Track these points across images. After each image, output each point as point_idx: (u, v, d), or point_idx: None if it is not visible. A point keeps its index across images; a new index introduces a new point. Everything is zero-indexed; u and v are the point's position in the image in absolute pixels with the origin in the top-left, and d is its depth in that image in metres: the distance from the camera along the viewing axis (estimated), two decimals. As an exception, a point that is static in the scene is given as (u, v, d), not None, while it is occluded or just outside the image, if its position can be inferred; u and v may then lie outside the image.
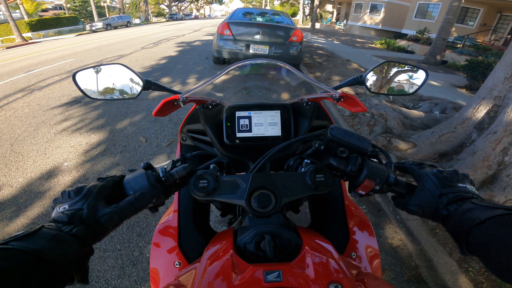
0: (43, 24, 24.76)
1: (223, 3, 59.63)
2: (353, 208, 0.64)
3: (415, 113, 3.23)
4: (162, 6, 45.71)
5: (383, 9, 18.56)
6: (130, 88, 0.68)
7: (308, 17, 31.18)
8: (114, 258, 1.43)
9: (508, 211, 0.32)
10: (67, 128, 2.87)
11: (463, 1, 7.53)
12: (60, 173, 2.14)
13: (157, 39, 10.44)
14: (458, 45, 10.66)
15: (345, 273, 0.33)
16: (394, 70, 0.74)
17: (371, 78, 0.71)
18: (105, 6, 34.82)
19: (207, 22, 23.30)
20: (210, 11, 72.57)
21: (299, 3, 29.34)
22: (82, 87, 0.68)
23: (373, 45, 13.03)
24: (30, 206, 1.82)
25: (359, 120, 3.08)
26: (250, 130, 0.62)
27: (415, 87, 0.74)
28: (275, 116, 0.63)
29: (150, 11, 39.19)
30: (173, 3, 45.00)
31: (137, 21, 33.26)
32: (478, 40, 11.42)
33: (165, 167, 0.45)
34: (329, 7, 31.07)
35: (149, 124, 2.89)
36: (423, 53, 9.92)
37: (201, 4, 53.86)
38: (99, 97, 0.69)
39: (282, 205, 0.41)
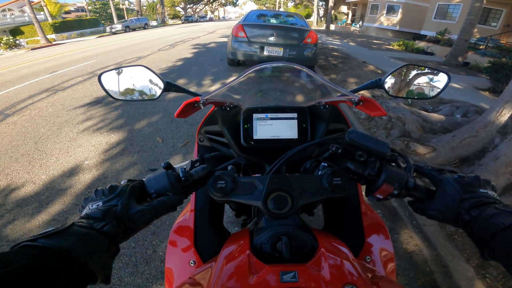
0: (66, 26, 25.92)
1: (237, 5, 60.14)
2: (369, 212, 0.64)
3: (435, 116, 3.12)
4: (178, 9, 46.73)
5: (400, 10, 18.08)
6: (151, 89, 0.70)
7: (322, 18, 30.87)
8: (129, 256, 1.47)
9: None
10: (89, 128, 2.99)
11: (484, 1, 7.23)
12: (81, 171, 2.23)
13: (173, 41, 10.68)
14: (481, 47, 10.20)
15: (360, 276, 0.34)
16: (414, 73, 0.72)
17: (390, 81, 0.69)
18: (124, 9, 36.02)
19: (221, 24, 23.58)
20: (224, 13, 73.47)
21: (313, 4, 29.10)
22: (106, 88, 0.70)
23: (391, 47, 12.70)
24: (51, 203, 1.90)
25: (376, 123, 3.01)
26: (267, 132, 0.63)
27: (436, 91, 0.72)
28: (292, 118, 0.63)
29: (166, 13, 40.15)
30: (188, 6, 45.91)
31: (154, 23, 34.20)
32: (502, 41, 10.86)
33: (185, 167, 0.46)
34: (344, 9, 30.65)
35: (165, 125, 2.96)
36: (443, 54, 9.57)
37: (215, 6, 54.62)
38: (121, 98, 0.71)
39: (298, 207, 0.42)
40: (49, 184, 2.10)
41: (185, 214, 0.65)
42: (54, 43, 19.52)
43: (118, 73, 0.70)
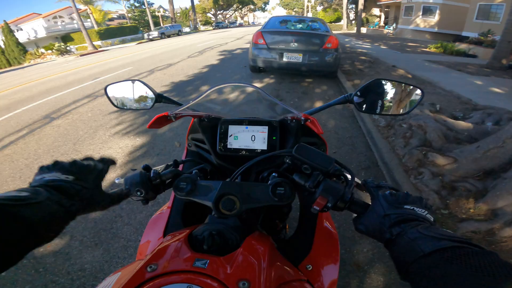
0: (109, 33, 28.30)
1: (266, 10, 60.76)
2: (327, 225, 0.67)
3: (462, 124, 2.88)
4: (209, 15, 48.61)
5: (438, 11, 16.88)
6: (147, 100, 0.81)
7: (353, 22, 29.90)
8: (134, 248, 1.65)
9: (454, 242, 0.31)
10: (119, 132, 3.31)
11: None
12: (108, 171, 2.50)
13: (202, 48, 11.19)
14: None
15: (260, 275, 0.38)
16: (386, 88, 0.72)
17: (360, 97, 0.70)
18: (160, 16, 38.35)
19: (250, 30, 24.03)
20: (253, 19, 74.59)
21: (342, 8, 28.35)
22: (111, 98, 0.83)
23: (427, 49, 11.90)
24: None
25: (395, 132, 2.89)
26: (240, 143, 0.68)
27: (408, 107, 0.71)
28: (263, 131, 0.68)
29: (198, 19, 41.96)
30: (218, 12, 47.55)
31: (187, 29, 35.92)
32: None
33: (158, 169, 0.54)
34: (376, 11, 29.37)
35: (184, 131, 3.16)
36: (487, 57, 8.72)
37: (244, 12, 55.81)
38: (120, 106, 0.83)
39: (242, 210, 0.48)
40: (81, 182, 2.39)
41: (163, 209, 0.73)
42: (100, 49, 21.45)
43: (121, 86, 0.82)
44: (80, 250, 1.66)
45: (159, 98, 0.79)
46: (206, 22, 48.49)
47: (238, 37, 15.74)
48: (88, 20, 29.92)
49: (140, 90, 0.81)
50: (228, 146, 0.69)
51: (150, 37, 25.01)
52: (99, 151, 2.88)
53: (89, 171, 0.44)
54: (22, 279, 1.53)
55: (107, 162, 0.51)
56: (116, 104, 0.83)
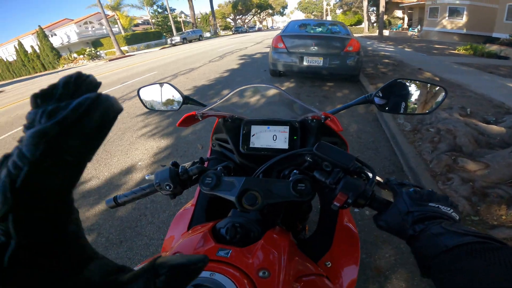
0: (135, 38, 29.65)
1: (284, 14, 60.87)
2: (348, 223, 0.68)
3: (495, 128, 2.72)
4: (228, 20, 49.58)
5: (465, 12, 16.08)
6: (174, 102, 0.86)
7: (374, 24, 29.13)
8: (155, 246, 1.70)
9: (478, 238, 0.31)
10: (145, 134, 3.47)
11: None
12: (135, 171, 2.62)
13: (222, 52, 11.44)
14: None
15: (280, 266, 0.40)
16: (407, 87, 0.71)
17: (382, 98, 0.70)
18: (181, 21, 39.65)
19: (269, 34, 24.17)
20: (272, 23, 74.94)
21: (362, 10, 27.75)
22: (142, 100, 0.89)
23: (456, 51, 11.32)
24: (108, 196, 2.24)
25: (421, 136, 2.78)
26: (262, 142, 0.71)
27: (431, 106, 0.70)
28: (284, 131, 0.70)
29: (218, 24, 42.93)
30: (237, 17, 48.37)
31: (207, 34, 36.81)
32: None
33: (186, 166, 0.58)
34: (398, 13, 28.45)
35: (207, 133, 3.24)
36: (522, 59, 8.15)
37: (263, 16, 56.28)
38: (151, 108, 0.89)
39: (263, 205, 0.50)
40: (110, 180, 2.51)
41: (188, 206, 0.77)
42: (126, 54, 22.58)
43: (153, 89, 0.88)
44: (106, 246, 1.76)
45: (186, 100, 0.84)
46: (226, 27, 49.49)
47: (257, 42, 15.89)
48: (116, 25, 31.56)
49: (169, 93, 0.86)
50: (251, 146, 0.71)
51: (173, 42, 25.93)
52: (127, 151, 3.03)
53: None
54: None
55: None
56: (147, 105, 0.89)
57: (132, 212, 2.04)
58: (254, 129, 0.72)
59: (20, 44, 28.57)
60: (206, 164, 0.77)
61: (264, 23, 64.60)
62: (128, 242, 1.77)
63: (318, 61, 4.51)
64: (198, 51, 14.00)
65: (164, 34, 34.58)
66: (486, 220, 1.71)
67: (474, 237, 0.31)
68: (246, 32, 38.93)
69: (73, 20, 33.65)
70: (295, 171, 0.56)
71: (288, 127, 0.70)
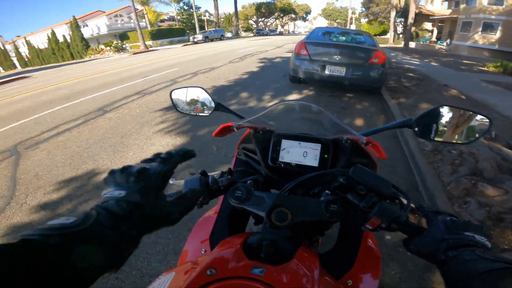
0: (160, 33, 30.50)
1: (307, 20, 60.59)
2: (370, 242, 0.67)
3: None
4: (250, 21, 49.95)
5: (500, 28, 15.40)
6: (205, 107, 0.87)
7: (400, 35, 28.42)
8: (162, 245, 1.68)
9: (509, 265, 0.31)
10: (162, 130, 3.52)
11: None
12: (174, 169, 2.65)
13: (243, 54, 11.51)
14: None
15: (313, 286, 0.40)
16: (450, 115, 0.68)
17: (421, 123, 0.67)
18: (205, 20, 40.37)
19: (290, 39, 24.12)
20: (294, 28, 74.80)
21: (389, 20, 27.14)
22: (174, 102, 0.90)
23: (485, 68, 10.83)
24: None
25: (442, 157, 2.68)
26: (291, 157, 0.70)
27: (474, 136, 0.67)
28: (315, 148, 0.69)
29: (240, 25, 43.36)
30: (260, 19, 48.63)
31: (229, 34, 37.24)
32: None
33: (215, 175, 0.57)
34: (428, 25, 27.65)
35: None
36: (559, 82, 7.65)
37: (285, 20, 56.27)
38: (182, 111, 0.90)
39: (293, 222, 0.50)
40: (124, 174, 2.56)
41: (209, 214, 0.76)
42: (150, 49, 23.24)
43: (185, 91, 0.89)
44: None
45: (218, 106, 0.84)
46: (247, 29, 49.90)
47: (278, 46, 15.88)
48: (143, 20, 32.65)
49: (201, 97, 0.87)
50: (280, 160, 0.71)
51: (195, 40, 26.46)
52: (143, 146, 3.08)
53: (144, 179, 0.34)
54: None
55: (172, 160, 0.41)
56: (178, 108, 0.90)
57: None
58: (285, 143, 0.71)
59: (53, 33, 30.12)
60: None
61: (286, 27, 64.63)
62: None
63: (341, 71, 4.42)
64: (219, 50, 14.17)
65: (188, 31, 35.34)
66: (497, 244, 1.71)
67: (506, 264, 0.32)
68: (267, 35, 39.05)
69: (105, 12, 35.18)
70: (326, 191, 0.56)
71: (320, 145, 0.70)
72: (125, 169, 0.36)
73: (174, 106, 0.90)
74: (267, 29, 46.06)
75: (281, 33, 47.25)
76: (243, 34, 43.49)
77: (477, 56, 16.29)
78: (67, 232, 0.25)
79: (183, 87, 0.88)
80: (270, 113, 0.69)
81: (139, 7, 31.21)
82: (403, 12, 25.05)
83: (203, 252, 0.66)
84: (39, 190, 2.38)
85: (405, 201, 0.49)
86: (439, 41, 22.91)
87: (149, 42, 26.96)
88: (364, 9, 35.18)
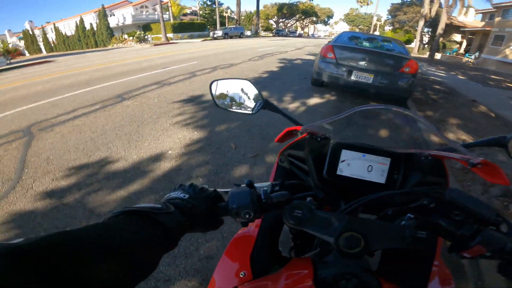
0: (181, 27, 30.95)
1: (328, 24, 59.78)
2: (442, 268, 0.60)
3: None
4: (271, 21, 49.78)
5: (533, 43, 14.56)
6: (250, 104, 0.77)
7: (426, 45, 27.54)
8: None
9: None
10: (179, 122, 3.44)
11: None
12: (164, 159, 2.56)
13: (262, 53, 11.38)
14: None
15: None
16: None
17: None
18: (226, 17, 40.61)
19: (310, 42, 23.79)
20: (314, 31, 73.87)
21: (415, 30, 26.31)
22: (214, 95, 0.79)
23: (514, 85, 10.29)
24: (132, 182, 2.20)
25: (473, 176, 2.51)
26: (352, 171, 0.61)
27: None
28: (383, 162, 0.60)
29: (260, 25, 43.28)
30: (280, 20, 48.38)
31: (248, 33, 37.23)
32: None
33: (265, 189, 0.49)
34: (457, 37, 26.70)
35: (241, 133, 3.13)
36: None
37: (306, 23, 55.74)
38: (222, 106, 0.79)
39: (368, 250, 0.44)
40: (137, 164, 2.46)
41: (250, 227, 0.66)
42: (170, 41, 23.58)
43: (227, 84, 0.79)
44: None
45: (266, 104, 0.74)
46: (267, 28, 49.75)
47: (298, 47, 15.66)
48: (167, 13, 33.20)
49: (247, 92, 0.76)
50: (338, 173, 0.61)
51: (215, 35, 26.62)
52: (159, 137, 3.01)
53: (202, 193, 0.47)
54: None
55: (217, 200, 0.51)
56: (216, 102, 0.80)
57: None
58: (346, 154, 0.61)
59: (81, 20, 31.10)
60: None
61: (306, 29, 63.96)
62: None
63: (368, 78, 4.21)
64: (238, 48, 14.11)
65: (208, 27, 35.58)
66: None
67: None
68: (286, 36, 38.75)
69: (132, 2, 36.00)
70: (409, 214, 0.48)
71: (390, 159, 0.59)
72: (192, 185, 0.48)
73: (212, 99, 0.79)
74: (286, 30, 45.78)
75: (300, 35, 46.77)
76: (262, 33, 43.39)
77: (505, 71, 15.61)
78: (158, 212, 0.36)
79: (226, 78, 0.78)
80: (346, 119, 0.59)
81: (164, -1, 31.70)
82: (431, 22, 24.27)
83: (241, 276, 0.56)
84: (48, 175, 2.31)
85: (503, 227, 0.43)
86: (467, 54, 22.14)
87: (169, 35, 27.32)
88: (390, 16, 34.40)
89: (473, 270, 1.59)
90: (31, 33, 35.45)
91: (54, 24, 36.61)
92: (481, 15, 24.46)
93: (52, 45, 34.92)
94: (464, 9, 18.97)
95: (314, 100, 4.57)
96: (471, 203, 0.42)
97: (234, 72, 6.74)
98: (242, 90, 0.77)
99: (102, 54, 14.84)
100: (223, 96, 0.80)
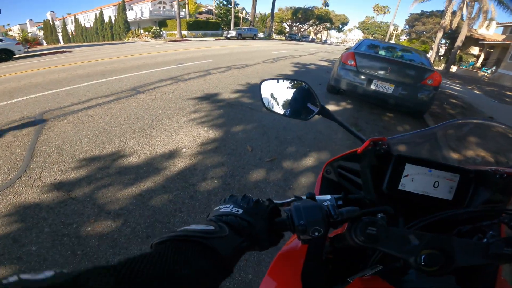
0: (196, 25, 31.18)
1: (342, 31, 59.46)
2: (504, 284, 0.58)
3: None
4: (284, 25, 49.77)
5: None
6: (304, 108, 0.71)
7: (442, 57, 27.09)
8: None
9: None
10: (194, 119, 3.39)
11: None
12: (178, 157, 2.50)
13: (276, 56, 11.32)
14: None
15: None
16: None
17: None
18: (241, 17, 40.78)
19: (323, 47, 23.64)
20: (326, 37, 73.56)
21: (433, 41, 25.90)
22: (263, 96, 0.74)
23: (531, 104, 9.99)
24: (145, 179, 2.13)
25: None
26: (415, 186, 0.58)
27: None
28: (452, 179, 0.57)
29: (274, 27, 43.31)
30: (294, 24, 48.31)
31: (261, 35, 37.27)
32: None
33: (330, 203, 0.46)
34: (474, 50, 26.16)
35: (258, 135, 3.06)
36: None
37: (319, 28, 55.54)
38: (273, 109, 0.74)
39: (451, 268, 0.42)
40: (150, 160, 2.40)
41: (295, 239, 0.62)
42: (184, 38, 23.75)
43: (279, 84, 0.74)
44: (129, 239, 1.57)
45: (322, 110, 0.69)
46: (280, 31, 49.73)
47: (311, 53, 15.55)
48: (183, 10, 33.47)
49: (302, 96, 0.71)
50: (400, 187, 0.58)
51: (228, 35, 26.70)
52: (173, 133, 2.96)
53: (258, 207, 0.42)
54: (53, 258, 1.42)
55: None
56: (265, 104, 0.74)
57: (168, 204, 1.88)
58: (409, 168, 0.58)
59: (101, 13, 31.62)
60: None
61: (319, 35, 63.75)
62: (155, 238, 1.61)
63: (388, 88, 4.09)
64: (251, 49, 14.09)
65: (222, 26, 35.75)
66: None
67: None
68: (299, 40, 38.66)
69: (151, -3, 36.36)
70: (491, 232, 0.46)
71: (458, 176, 0.57)
72: (246, 196, 0.43)
73: (261, 100, 0.74)
74: (299, 35, 45.65)
75: (313, 41, 46.64)
76: (275, 36, 43.36)
77: (521, 88, 15.22)
78: (211, 236, 0.32)
79: (280, 78, 0.72)
80: (434, 132, 0.57)
81: (182, -4, 31.96)
82: (450, 34, 23.85)
83: None
84: (57, 166, 2.23)
85: None
86: (483, 68, 21.69)
87: (184, 32, 27.53)
88: (407, 26, 34.05)
89: None
90: (51, 23, 36.21)
91: (74, 16, 37.37)
92: (502, 28, 23.91)
93: (70, 36, 35.60)
94: (487, 22, 18.56)
95: (330, 108, 4.46)
96: None
97: (249, 73, 6.68)
98: (295, 92, 0.72)
99: (117, 47, 14.98)
100: (274, 97, 0.74)
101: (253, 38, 28.82)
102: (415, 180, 0.58)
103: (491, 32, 25.15)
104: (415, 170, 0.58)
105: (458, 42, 17.42)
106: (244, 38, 27.42)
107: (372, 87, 4.18)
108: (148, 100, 4.04)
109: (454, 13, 18.93)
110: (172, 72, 6.08)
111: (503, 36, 22.64)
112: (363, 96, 4.46)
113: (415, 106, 4.17)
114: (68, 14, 43.70)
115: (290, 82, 0.72)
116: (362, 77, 4.26)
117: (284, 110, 0.73)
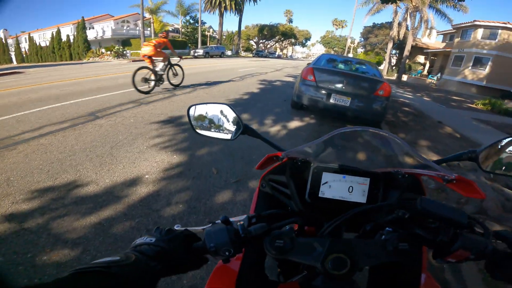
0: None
1: (306, 45, 63.23)
2: (431, 282, 0.62)
3: None
4: (251, 42, 51.56)
5: (490, 63, 16.41)
6: (229, 129, 0.76)
7: (394, 67, 29.85)
8: None
9: None
10: (157, 144, 3.28)
11: None
12: (140, 184, 2.39)
13: (243, 74, 11.60)
14: None
15: None
16: None
17: (485, 155, 0.64)
18: (208, 36, 41.35)
19: (288, 63, 24.78)
20: (292, 52, 77.53)
21: (385, 52, 28.50)
22: (191, 120, 0.78)
23: (474, 106, 11.36)
24: (104, 208, 2.03)
25: (446, 196, 2.67)
26: (333, 193, 0.62)
27: None
28: (363, 182, 0.62)
29: (241, 45, 44.59)
30: (260, 41, 50.31)
31: (229, 53, 38.02)
32: None
33: (242, 222, 0.49)
34: (420, 58, 29.20)
35: (224, 157, 3.05)
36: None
37: (285, 44, 58.46)
38: (201, 132, 0.78)
39: (356, 270, 0.44)
40: (110, 189, 2.28)
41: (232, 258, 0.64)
42: (149, 58, 23.25)
43: (206, 108, 0.77)
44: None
45: (246, 129, 0.74)
46: (247, 49, 51.30)
47: (277, 69, 16.21)
48: (148, 29, 33.06)
49: (226, 117, 0.76)
50: (320, 195, 0.62)
51: (195, 54, 26.82)
52: (135, 160, 2.83)
53: (170, 234, 0.46)
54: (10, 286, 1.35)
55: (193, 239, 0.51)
56: (194, 127, 0.79)
57: (130, 231, 1.80)
58: (326, 176, 0.63)
59: (58, 31, 29.89)
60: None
61: (284, 51, 66.92)
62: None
63: (346, 101, 4.38)
64: (219, 67, 14.28)
65: (189, 45, 35.84)
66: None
67: None
68: (266, 57, 40.10)
69: (113, 16, 35.53)
70: (387, 228, 0.50)
71: (369, 179, 0.62)
72: (158, 228, 0.47)
73: (190, 124, 0.78)
74: (266, 51, 47.46)
75: (279, 57, 48.68)
76: (242, 53, 44.54)
77: (465, 92, 17.16)
78: (114, 265, 0.34)
79: (204, 103, 0.77)
80: (326, 142, 0.62)
81: (147, 15, 31.67)
82: (399, 44, 26.31)
83: None
84: (7, 198, 2.08)
85: (479, 228, 0.47)
86: (430, 75, 23.97)
87: (150, 51, 27.05)
88: (362, 39, 36.99)
89: (456, 281, 1.65)
90: (4, 41, 33.43)
91: (29, 34, 34.89)
92: (442, 36, 26.74)
93: (24, 55, 33.07)
94: (428, 30, 20.70)
95: (294, 124, 4.63)
96: (442, 210, 0.43)
97: (215, 93, 6.74)
98: (221, 114, 0.76)
99: (76, 68, 14.22)
100: (201, 120, 0.78)
101: (220, 56, 29.26)
102: (332, 187, 0.62)
103: (433, 41, 28.27)
104: (331, 178, 0.62)
105: (406, 52, 19.24)
106: (212, 56, 27.73)
107: (331, 101, 4.43)
108: (107, 125, 3.85)
109: (400, 24, 20.93)
110: (135, 95, 5.88)
111: (444, 44, 25.26)
112: (324, 110, 4.70)
113: (372, 116, 4.48)
114: (22, 32, 40.72)
115: (214, 105, 0.76)
116: (322, 91, 4.49)
117: (212, 131, 0.77)
